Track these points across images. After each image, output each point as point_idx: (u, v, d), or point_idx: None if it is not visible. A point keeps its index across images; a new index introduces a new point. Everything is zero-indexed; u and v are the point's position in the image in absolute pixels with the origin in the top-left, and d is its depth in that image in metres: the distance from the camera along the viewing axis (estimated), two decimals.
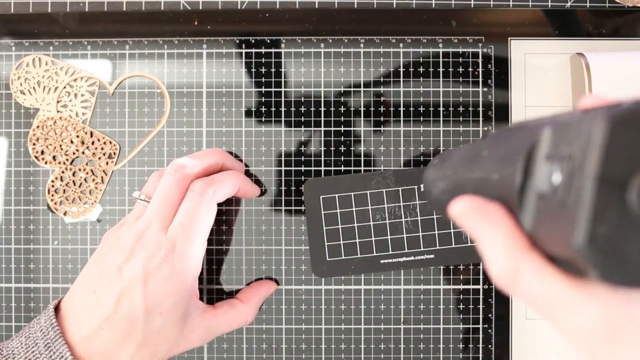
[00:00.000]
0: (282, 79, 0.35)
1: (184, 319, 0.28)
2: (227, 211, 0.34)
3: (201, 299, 0.34)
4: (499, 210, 0.17)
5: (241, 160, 0.34)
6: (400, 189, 0.33)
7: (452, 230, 0.33)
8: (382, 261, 0.33)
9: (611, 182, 0.12)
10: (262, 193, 0.34)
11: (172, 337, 0.28)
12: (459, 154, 0.24)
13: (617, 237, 0.12)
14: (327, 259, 0.33)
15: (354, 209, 0.33)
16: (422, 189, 0.33)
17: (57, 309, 0.28)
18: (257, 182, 0.34)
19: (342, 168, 0.34)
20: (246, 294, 0.33)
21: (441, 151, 0.34)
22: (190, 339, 0.29)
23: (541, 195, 0.15)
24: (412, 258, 0.33)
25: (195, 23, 0.35)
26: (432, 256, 0.33)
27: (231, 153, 0.34)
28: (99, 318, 0.26)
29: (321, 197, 0.33)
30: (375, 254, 0.33)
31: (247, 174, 0.34)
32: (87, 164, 0.34)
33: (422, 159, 0.34)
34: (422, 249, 0.33)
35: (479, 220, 0.17)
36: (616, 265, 0.12)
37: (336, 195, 0.33)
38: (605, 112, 0.13)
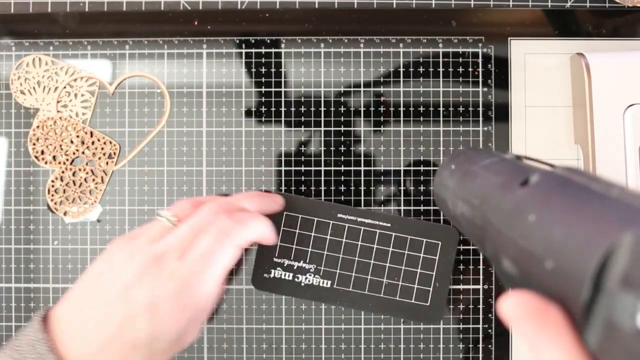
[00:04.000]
0: (282, 79, 0.35)
1: (186, 336, 0.28)
2: None
3: None
4: (561, 319, 0.14)
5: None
6: (362, 228, 0.33)
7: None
8: (338, 214, 0.33)
9: None
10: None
11: (173, 351, 0.27)
12: (487, 181, 0.21)
13: None
14: (268, 277, 0.33)
15: (313, 234, 0.33)
16: (432, 188, 0.31)
17: (47, 316, 0.27)
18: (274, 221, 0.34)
19: (342, 168, 0.34)
20: None
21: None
22: (188, 342, 0.28)
23: (617, 327, 0.12)
24: (369, 221, 0.33)
25: (195, 23, 0.35)
26: (389, 224, 0.33)
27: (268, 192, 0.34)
28: (99, 339, 0.25)
29: (285, 213, 0.33)
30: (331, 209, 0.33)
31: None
32: (87, 164, 0.34)
33: (421, 158, 0.34)
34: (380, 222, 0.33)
35: (537, 328, 0.15)
36: None
37: (300, 216, 0.33)
38: None
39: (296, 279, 0.33)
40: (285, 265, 0.33)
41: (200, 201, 0.30)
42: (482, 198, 0.20)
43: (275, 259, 0.33)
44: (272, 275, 0.33)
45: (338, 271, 0.33)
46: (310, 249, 0.33)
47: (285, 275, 0.33)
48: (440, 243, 0.33)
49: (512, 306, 0.15)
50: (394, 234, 0.33)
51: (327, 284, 0.33)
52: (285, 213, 0.33)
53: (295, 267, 0.33)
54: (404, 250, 0.33)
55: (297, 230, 0.33)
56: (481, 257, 0.34)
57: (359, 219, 0.33)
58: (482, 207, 0.20)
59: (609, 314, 0.13)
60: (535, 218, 0.16)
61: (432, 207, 0.34)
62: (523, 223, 0.16)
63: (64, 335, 0.26)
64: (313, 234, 0.33)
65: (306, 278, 0.33)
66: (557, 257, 0.14)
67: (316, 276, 0.33)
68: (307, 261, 0.33)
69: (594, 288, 0.13)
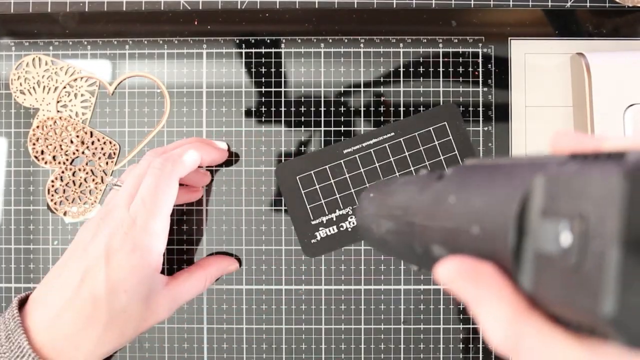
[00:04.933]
0: (282, 79, 0.35)
1: (149, 295, 0.28)
2: (226, 211, 0.34)
3: (201, 299, 0.34)
4: (494, 273, 0.15)
5: (224, 149, 0.34)
6: (372, 151, 0.33)
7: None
8: (344, 151, 0.33)
9: (638, 245, 0.12)
10: (229, 152, 0.34)
11: (139, 314, 0.27)
12: (406, 192, 0.22)
13: None
14: (316, 239, 0.33)
15: (332, 180, 0.33)
16: (355, 219, 0.31)
17: (27, 300, 0.28)
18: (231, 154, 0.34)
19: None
20: (205, 260, 0.33)
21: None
22: (157, 313, 0.28)
23: (545, 256, 0.14)
24: (373, 140, 0.34)
25: (195, 23, 0.35)
26: (392, 133, 0.34)
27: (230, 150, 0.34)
28: (61, 300, 0.26)
29: (298, 177, 0.33)
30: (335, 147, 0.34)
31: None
32: (87, 164, 0.34)
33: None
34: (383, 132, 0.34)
35: (472, 286, 0.16)
36: None
37: (312, 172, 0.34)
38: (618, 167, 0.12)
39: (341, 228, 0.33)
40: (325, 222, 0.33)
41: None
42: (404, 207, 0.21)
43: (313, 222, 0.33)
44: (318, 238, 0.33)
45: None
46: (337, 195, 0.33)
47: (330, 230, 0.33)
48: (446, 123, 0.33)
49: (446, 269, 0.16)
50: (401, 139, 0.34)
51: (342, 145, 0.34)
52: (297, 177, 0.34)
53: (334, 219, 0.33)
54: (418, 148, 0.33)
55: (317, 186, 0.33)
56: None
57: (364, 144, 0.33)
58: (405, 215, 0.21)
59: (536, 250, 0.14)
60: (455, 199, 0.18)
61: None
62: (444, 207, 0.18)
63: (35, 310, 0.26)
64: (332, 180, 0.33)
65: (349, 222, 0.33)
66: (480, 221, 0.16)
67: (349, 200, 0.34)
68: (342, 207, 0.33)
69: (518, 233, 0.14)
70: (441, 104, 0.34)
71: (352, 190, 0.33)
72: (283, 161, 0.34)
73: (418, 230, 0.20)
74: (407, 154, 0.33)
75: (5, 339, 0.25)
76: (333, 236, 0.33)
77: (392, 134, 0.33)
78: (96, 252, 0.27)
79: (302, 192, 0.33)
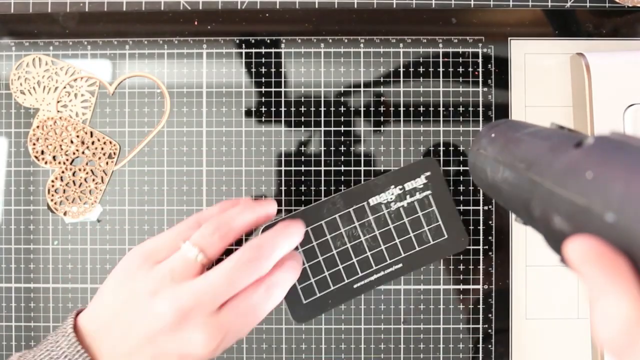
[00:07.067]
0: (282, 79, 0.35)
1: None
2: None
3: None
4: (627, 269, 0.14)
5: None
6: (350, 210, 0.33)
7: (411, 235, 0.33)
8: (355, 286, 0.33)
9: None
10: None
11: None
12: (535, 146, 0.20)
13: None
14: (304, 302, 0.33)
15: (314, 243, 0.33)
16: (469, 161, 0.28)
17: (75, 327, 0.26)
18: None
19: (342, 168, 0.34)
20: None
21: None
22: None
23: None
24: (382, 273, 0.33)
25: (195, 23, 0.35)
26: (400, 265, 0.33)
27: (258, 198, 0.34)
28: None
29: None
30: (346, 280, 0.33)
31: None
32: (87, 164, 0.34)
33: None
34: (389, 262, 0.33)
35: (601, 273, 0.15)
36: None
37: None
38: None
39: (325, 291, 0.33)
40: (309, 286, 0.33)
41: (222, 226, 0.29)
42: (530, 162, 0.20)
43: (299, 287, 0.33)
44: (304, 302, 0.33)
45: (354, 260, 0.33)
46: (320, 258, 0.33)
47: (315, 294, 0.33)
48: (425, 178, 0.33)
49: (579, 249, 0.15)
50: (379, 192, 0.33)
51: (352, 277, 0.33)
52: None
53: (319, 281, 0.33)
54: (397, 203, 0.33)
55: (300, 249, 0.33)
56: (481, 257, 0.34)
57: (374, 278, 0.33)
58: (529, 171, 0.20)
59: None
60: (593, 175, 0.16)
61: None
62: (579, 180, 0.16)
63: (102, 349, 0.26)
64: (314, 242, 0.33)
65: (332, 285, 0.33)
66: (619, 210, 0.14)
67: (339, 277, 0.33)
68: (325, 270, 0.33)
69: None
70: (441, 104, 0.34)
71: (334, 252, 0.33)
72: (285, 191, 0.34)
73: (541, 192, 0.18)
74: (385, 212, 0.33)
75: None
76: (317, 300, 0.33)
77: (401, 265, 0.33)
78: (171, 351, 0.25)
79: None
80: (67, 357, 0.24)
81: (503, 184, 0.22)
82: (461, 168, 0.34)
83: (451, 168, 0.34)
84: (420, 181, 0.33)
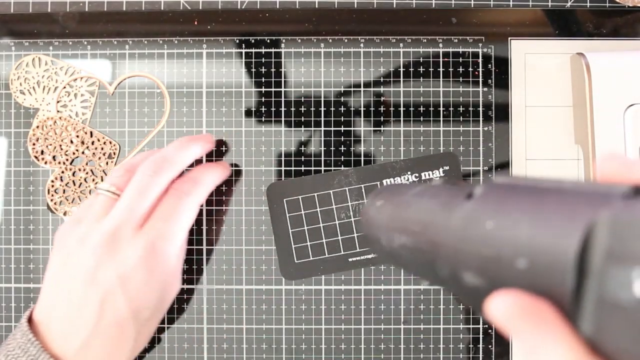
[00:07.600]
0: (282, 79, 0.35)
1: (165, 289, 0.28)
2: (227, 211, 0.34)
3: (201, 298, 0.34)
4: (553, 313, 0.14)
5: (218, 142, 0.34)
6: (362, 186, 0.33)
7: None
8: (350, 259, 0.33)
9: None
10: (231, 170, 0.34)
11: (162, 310, 0.29)
12: (425, 207, 0.20)
13: None
14: (295, 262, 0.33)
15: (318, 209, 0.33)
16: (363, 226, 0.28)
17: (30, 320, 0.27)
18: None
19: (342, 168, 0.34)
20: (192, 179, 0.32)
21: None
22: (171, 299, 0.30)
23: (612, 303, 0.12)
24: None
25: (195, 23, 0.35)
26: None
27: (223, 145, 0.34)
28: (86, 328, 0.26)
29: (285, 200, 0.33)
30: (342, 252, 0.33)
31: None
32: (87, 164, 0.34)
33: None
34: None
35: (531, 327, 0.14)
36: None
37: (299, 197, 0.33)
38: None
39: (319, 257, 0.33)
40: (304, 247, 0.33)
41: (132, 163, 0.30)
42: (425, 223, 0.20)
43: (294, 246, 0.33)
44: (296, 261, 0.33)
45: (355, 235, 0.33)
46: (321, 225, 0.33)
47: (308, 257, 0.33)
48: (443, 172, 0.33)
49: (502, 307, 0.15)
50: (395, 175, 0.33)
51: (349, 251, 0.33)
52: (285, 200, 0.33)
53: (314, 246, 0.33)
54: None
55: (302, 212, 0.33)
56: None
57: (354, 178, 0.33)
58: (426, 232, 0.19)
59: (600, 294, 0.13)
60: (493, 224, 0.16)
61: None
62: (481, 232, 0.16)
63: (52, 334, 0.26)
64: (318, 209, 0.33)
65: (327, 253, 0.33)
66: (528, 254, 0.14)
67: (336, 247, 0.33)
68: (323, 237, 0.33)
69: (578, 274, 0.13)
70: (441, 104, 0.34)
71: (337, 222, 0.33)
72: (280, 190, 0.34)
73: (445, 252, 0.18)
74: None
75: None
76: (311, 263, 0.33)
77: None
78: (108, 279, 0.26)
79: (287, 215, 0.33)
80: (21, 347, 0.25)
81: (401, 250, 0.21)
82: (470, 169, 0.34)
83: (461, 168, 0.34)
84: (437, 173, 0.33)
